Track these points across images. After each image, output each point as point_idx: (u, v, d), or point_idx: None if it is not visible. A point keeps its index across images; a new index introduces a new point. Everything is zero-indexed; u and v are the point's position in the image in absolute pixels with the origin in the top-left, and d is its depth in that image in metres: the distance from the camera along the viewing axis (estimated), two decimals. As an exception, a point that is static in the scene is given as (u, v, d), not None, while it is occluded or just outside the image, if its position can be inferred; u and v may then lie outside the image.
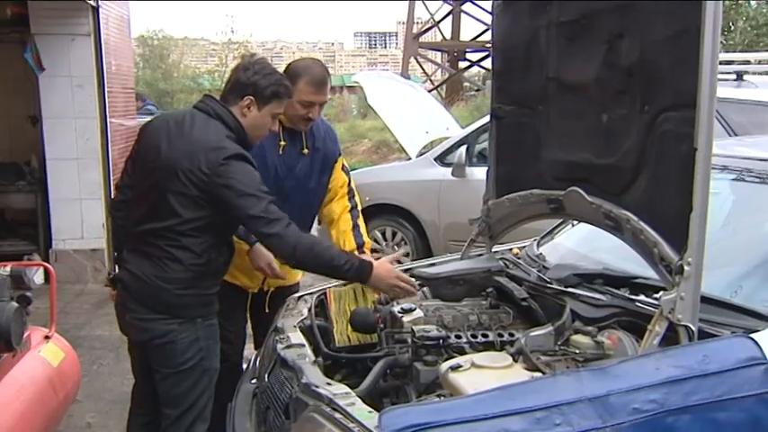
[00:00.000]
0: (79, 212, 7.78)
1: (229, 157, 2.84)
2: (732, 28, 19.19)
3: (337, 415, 2.14)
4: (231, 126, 2.96)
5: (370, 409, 2.15)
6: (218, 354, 3.07)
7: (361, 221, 3.65)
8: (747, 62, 6.84)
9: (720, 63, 6.18)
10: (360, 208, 3.71)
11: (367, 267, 2.95)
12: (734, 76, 6.18)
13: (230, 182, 2.81)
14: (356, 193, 3.72)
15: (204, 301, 2.98)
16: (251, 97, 2.95)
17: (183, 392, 3.00)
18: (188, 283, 2.91)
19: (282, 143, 3.44)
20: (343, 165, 3.70)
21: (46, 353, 3.60)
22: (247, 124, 2.99)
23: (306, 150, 3.50)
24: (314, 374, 2.52)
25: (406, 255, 7.77)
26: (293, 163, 3.49)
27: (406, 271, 3.49)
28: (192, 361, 2.96)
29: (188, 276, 2.90)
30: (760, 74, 6.66)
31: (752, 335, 2.13)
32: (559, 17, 2.81)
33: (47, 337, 3.70)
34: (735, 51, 15.15)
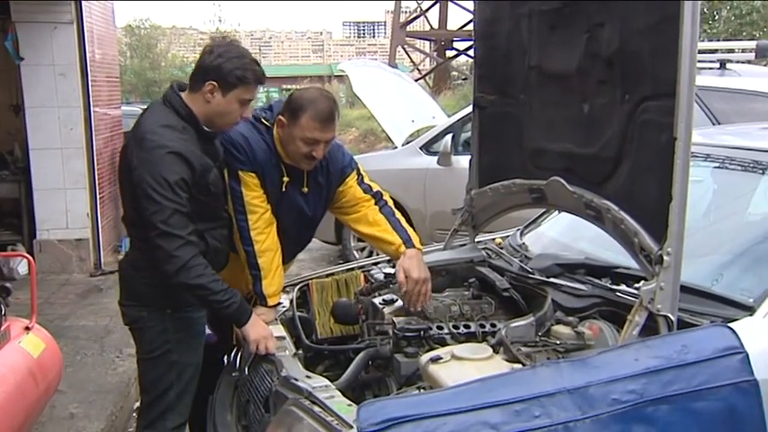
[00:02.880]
0: (63, 202, 7.72)
1: (150, 149, 2.73)
2: (716, 17, 19.25)
3: (316, 408, 2.14)
4: (182, 113, 2.85)
5: (350, 403, 2.15)
6: (193, 349, 2.98)
7: (399, 216, 3.30)
8: (731, 51, 6.84)
9: (704, 51, 6.23)
10: (391, 203, 3.34)
11: (247, 310, 2.84)
12: (717, 65, 6.19)
13: (141, 177, 2.71)
14: (384, 193, 3.36)
15: (174, 292, 2.85)
16: (213, 82, 2.80)
17: (151, 380, 2.99)
18: (154, 273, 2.83)
19: (285, 179, 3.12)
20: (360, 179, 3.31)
21: (26, 344, 3.57)
22: (212, 111, 2.85)
23: (306, 189, 3.18)
24: (294, 367, 2.52)
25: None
26: (293, 201, 3.18)
27: (390, 261, 3.49)
28: (159, 351, 2.93)
29: (154, 266, 2.81)
30: (743, 62, 6.67)
31: (730, 324, 2.14)
32: (541, 5, 2.79)
33: (27, 328, 3.66)
34: (718, 40, 15.18)
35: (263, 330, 2.83)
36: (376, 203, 3.28)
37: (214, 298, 2.75)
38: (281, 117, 3.05)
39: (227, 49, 2.85)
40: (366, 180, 3.33)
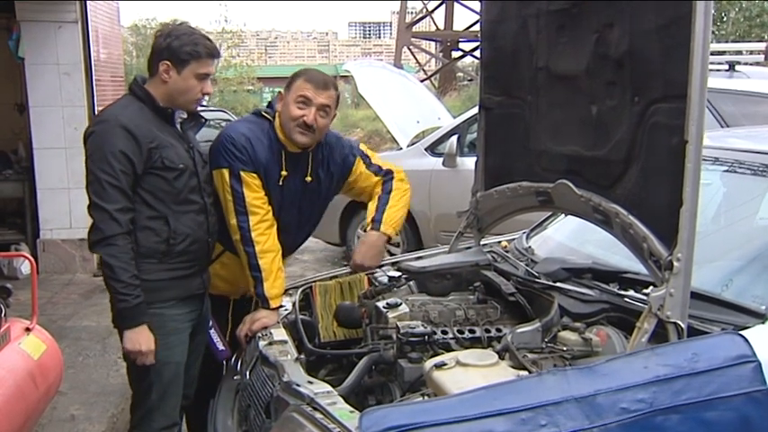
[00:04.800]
0: (67, 202, 7.70)
1: (97, 123, 2.85)
2: (725, 18, 19.21)
3: (318, 415, 2.10)
4: (138, 95, 2.93)
5: (352, 409, 2.11)
6: (170, 348, 2.92)
7: (392, 196, 3.31)
8: (739, 52, 6.80)
9: (712, 53, 6.19)
10: (397, 178, 3.37)
11: (136, 318, 2.78)
12: (726, 67, 6.15)
13: (87, 151, 2.82)
14: (397, 171, 3.40)
15: (145, 288, 2.81)
16: (166, 62, 2.87)
17: (133, 379, 2.99)
18: None
19: (284, 173, 3.13)
20: (367, 162, 3.34)
21: (26, 345, 3.54)
22: (171, 90, 2.91)
23: (309, 178, 3.20)
24: (295, 372, 2.48)
25: (397, 245, 7.73)
26: (295, 195, 3.20)
27: (394, 264, 3.45)
28: None
29: None
30: (752, 64, 6.62)
31: (742, 332, 2.09)
32: (548, 6, 2.75)
33: (28, 330, 3.63)
34: (727, 42, 15.13)
35: (144, 345, 2.79)
36: (383, 178, 3.36)
37: (114, 285, 2.74)
38: (280, 91, 3.15)
39: (176, 29, 2.94)
40: (374, 160, 3.38)
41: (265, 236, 3.06)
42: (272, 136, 3.13)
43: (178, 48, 2.86)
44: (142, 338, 2.80)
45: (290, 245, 3.31)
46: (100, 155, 2.76)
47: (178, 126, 3.00)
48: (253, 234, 3.03)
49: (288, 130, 3.10)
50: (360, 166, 3.32)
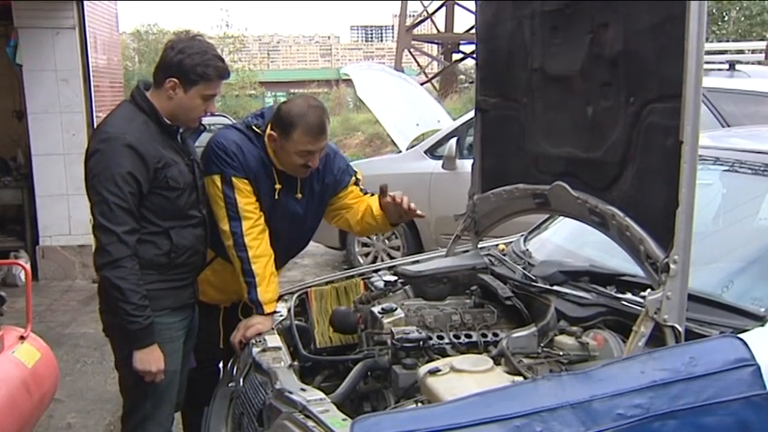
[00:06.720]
0: (66, 208, 7.71)
1: (103, 140, 2.75)
2: (725, 18, 19.20)
3: (310, 423, 2.08)
4: (143, 108, 2.85)
5: (344, 417, 2.09)
6: (165, 356, 2.87)
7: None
8: (741, 52, 6.77)
9: (713, 53, 6.16)
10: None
11: (147, 337, 2.77)
12: (726, 66, 6.12)
13: (91, 168, 2.75)
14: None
15: None
16: (174, 79, 2.79)
17: (126, 389, 2.96)
18: None
19: (278, 186, 3.14)
20: (359, 186, 3.38)
21: (20, 354, 3.50)
22: (175, 107, 2.84)
23: (299, 195, 3.21)
24: (288, 380, 2.45)
25: (397, 249, 7.70)
26: (287, 207, 3.20)
27: (390, 268, 3.42)
28: (130, 358, 2.84)
29: None
30: (752, 63, 6.60)
31: (741, 335, 2.05)
32: (542, 6, 2.72)
33: (22, 338, 3.60)
34: (728, 41, 15.11)
35: (154, 365, 2.79)
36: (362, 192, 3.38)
37: (124, 306, 2.71)
38: (271, 132, 3.06)
39: (189, 45, 2.83)
40: (361, 185, 3.39)
41: (258, 240, 3.05)
42: (262, 151, 3.12)
43: (189, 67, 2.78)
44: (152, 358, 2.79)
45: (283, 255, 3.29)
46: (107, 175, 2.69)
47: (179, 138, 2.97)
48: (246, 239, 3.03)
49: (290, 170, 3.12)
50: (353, 187, 3.35)
